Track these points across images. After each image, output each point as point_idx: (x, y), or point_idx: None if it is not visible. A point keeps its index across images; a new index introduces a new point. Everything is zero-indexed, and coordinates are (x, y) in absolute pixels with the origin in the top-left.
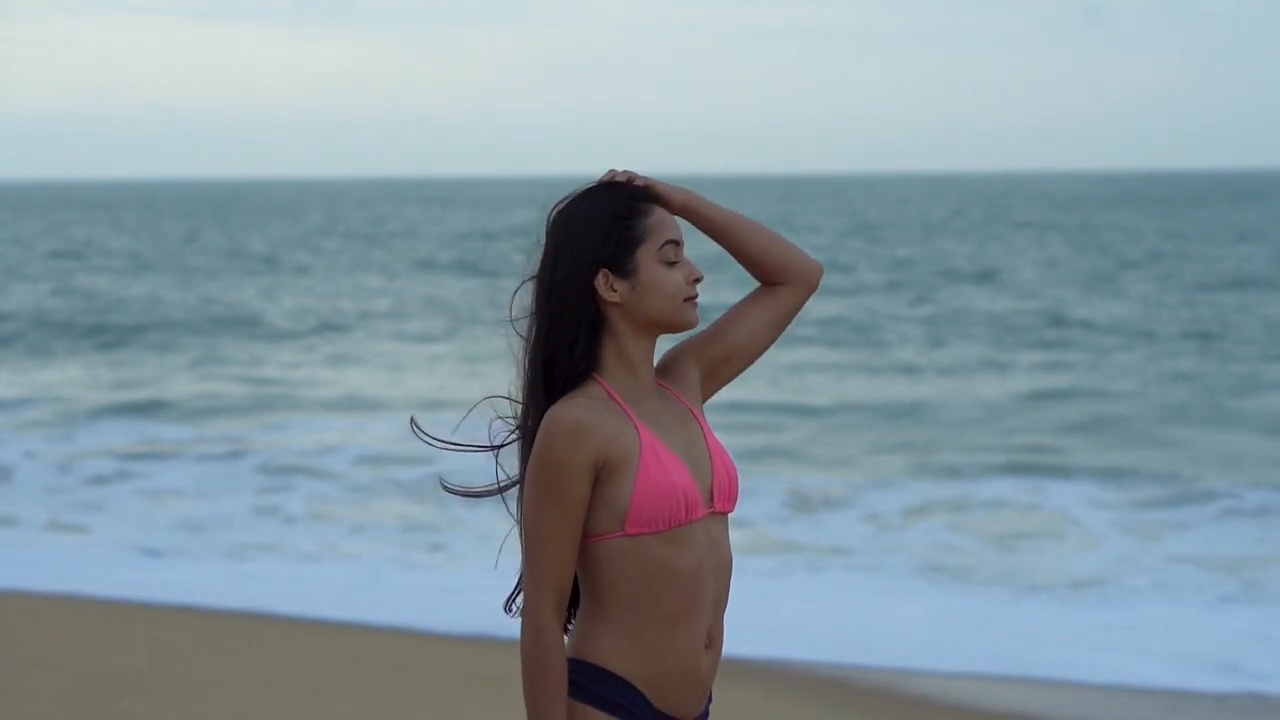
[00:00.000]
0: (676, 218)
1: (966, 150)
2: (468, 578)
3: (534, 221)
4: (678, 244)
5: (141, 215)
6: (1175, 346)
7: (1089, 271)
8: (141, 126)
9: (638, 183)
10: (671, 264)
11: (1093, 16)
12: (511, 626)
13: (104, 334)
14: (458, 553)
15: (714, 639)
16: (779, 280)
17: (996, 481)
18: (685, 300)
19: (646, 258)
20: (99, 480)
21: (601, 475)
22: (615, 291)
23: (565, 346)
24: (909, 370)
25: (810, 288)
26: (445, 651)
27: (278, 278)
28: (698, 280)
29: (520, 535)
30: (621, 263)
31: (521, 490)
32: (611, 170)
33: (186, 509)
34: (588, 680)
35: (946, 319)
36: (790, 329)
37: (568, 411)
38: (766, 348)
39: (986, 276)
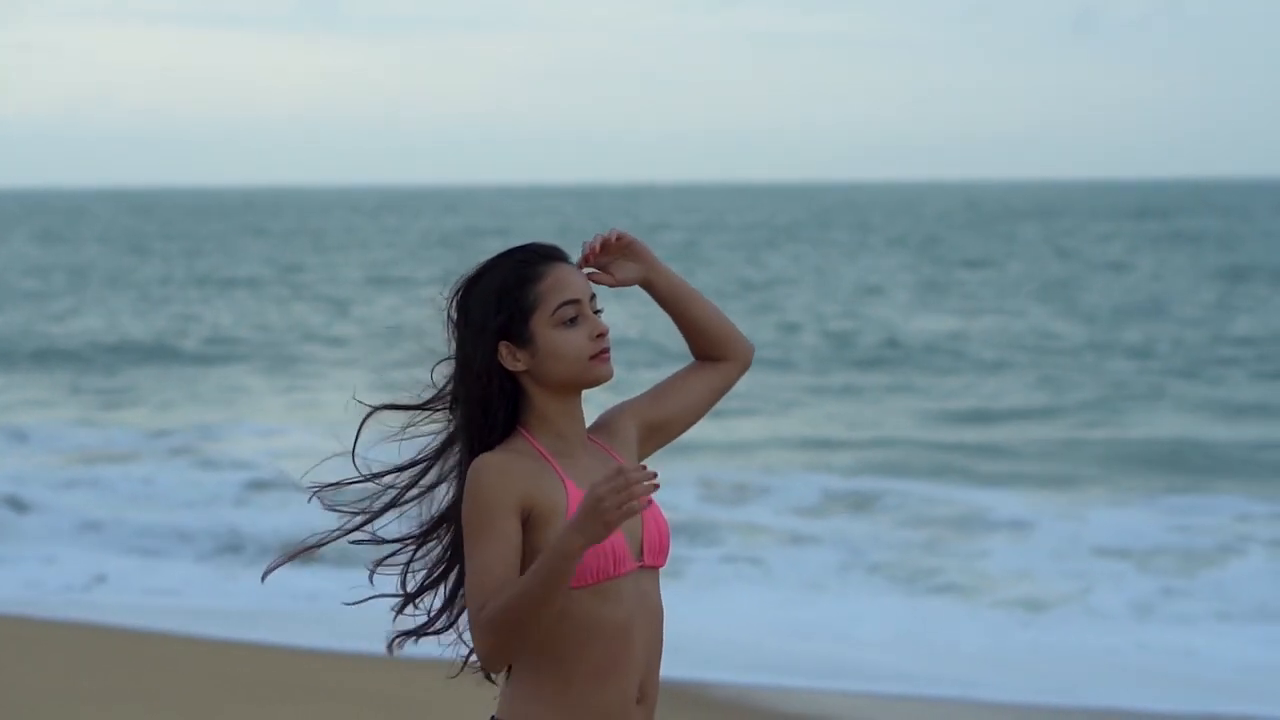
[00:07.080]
0: (586, 273)
1: (969, 158)
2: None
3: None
4: (577, 302)
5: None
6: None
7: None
8: (137, 133)
9: (624, 241)
10: (572, 322)
11: (1083, 25)
12: (326, 639)
13: None
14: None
15: (646, 693)
16: (716, 354)
17: (914, 484)
18: (591, 359)
19: (541, 325)
20: None
21: (528, 523)
22: (519, 361)
23: (484, 416)
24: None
25: (745, 365)
26: (262, 661)
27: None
28: (602, 335)
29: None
30: (518, 333)
31: (449, 538)
32: (597, 236)
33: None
34: None
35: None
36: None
37: (492, 457)
38: (702, 417)
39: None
